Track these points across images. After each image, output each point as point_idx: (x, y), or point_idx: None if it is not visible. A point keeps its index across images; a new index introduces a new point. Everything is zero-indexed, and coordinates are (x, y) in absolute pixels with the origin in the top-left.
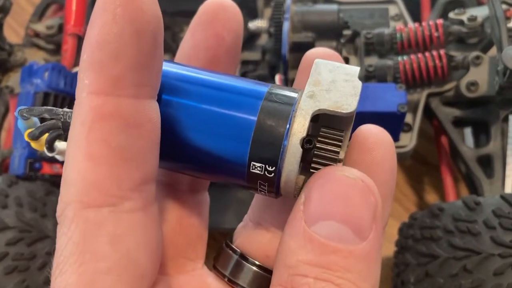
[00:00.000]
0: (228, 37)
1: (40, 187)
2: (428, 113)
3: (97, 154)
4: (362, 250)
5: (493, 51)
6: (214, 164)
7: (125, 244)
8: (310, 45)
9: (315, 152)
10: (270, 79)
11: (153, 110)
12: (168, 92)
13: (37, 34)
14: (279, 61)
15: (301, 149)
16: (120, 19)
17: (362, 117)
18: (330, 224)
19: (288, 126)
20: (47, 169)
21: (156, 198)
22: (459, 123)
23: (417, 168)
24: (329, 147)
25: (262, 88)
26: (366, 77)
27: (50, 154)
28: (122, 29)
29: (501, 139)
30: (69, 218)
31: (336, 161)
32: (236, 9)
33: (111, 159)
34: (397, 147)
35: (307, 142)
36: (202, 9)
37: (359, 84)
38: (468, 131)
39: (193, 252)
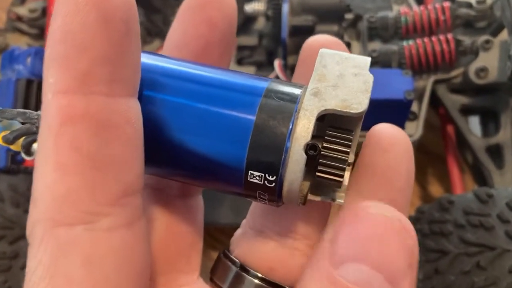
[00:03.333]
0: (222, 23)
1: (22, 181)
2: (434, 100)
3: (67, 164)
4: None
5: (503, 35)
6: (207, 171)
7: (103, 268)
8: (310, 29)
9: (322, 156)
10: (267, 65)
11: (132, 110)
12: (151, 88)
13: (19, 18)
14: (277, 46)
15: (305, 156)
16: (84, 7)
17: None
18: (361, 268)
19: (290, 129)
20: (30, 161)
21: (143, 212)
22: (466, 111)
23: (421, 158)
24: (336, 152)
25: (261, 83)
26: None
27: (28, 158)
28: (87, 17)
29: (511, 128)
30: (38, 238)
31: (345, 166)
32: None
33: (84, 168)
34: None
35: (312, 148)
36: None
37: (370, 78)
38: (474, 120)
39: (186, 264)
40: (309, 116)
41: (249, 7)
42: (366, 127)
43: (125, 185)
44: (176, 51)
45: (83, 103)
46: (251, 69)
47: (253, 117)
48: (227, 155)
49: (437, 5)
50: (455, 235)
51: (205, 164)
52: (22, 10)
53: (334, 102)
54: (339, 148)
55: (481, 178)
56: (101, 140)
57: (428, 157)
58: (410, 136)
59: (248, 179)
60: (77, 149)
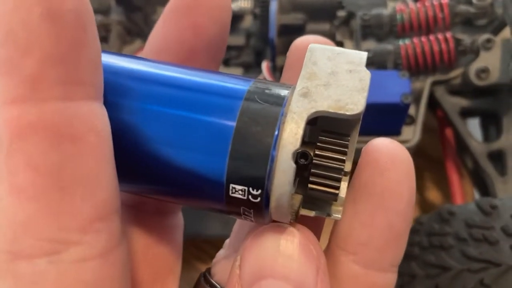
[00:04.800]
0: (210, 29)
1: None
2: (432, 103)
3: (23, 186)
4: None
5: (505, 33)
6: (184, 186)
7: None
8: (300, 28)
9: (314, 165)
10: (255, 66)
11: (97, 116)
12: (117, 93)
13: None
14: (265, 46)
15: (294, 165)
16: (24, 1)
17: None
18: (268, 283)
19: (276, 135)
20: None
21: (123, 236)
22: (466, 114)
23: (419, 163)
24: (330, 160)
25: (243, 84)
26: None
27: None
28: (29, 13)
29: None
30: None
31: (341, 176)
32: None
33: (44, 189)
34: (399, 142)
35: (302, 157)
36: None
37: (367, 75)
38: (475, 123)
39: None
40: (298, 119)
41: (235, 5)
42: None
43: (97, 206)
44: (156, 56)
45: (35, 111)
46: (239, 70)
47: (233, 123)
48: (206, 167)
49: (435, 2)
50: (457, 249)
51: (181, 178)
52: None
53: (326, 103)
54: (334, 156)
55: (482, 185)
56: (61, 153)
57: (427, 162)
58: (407, 141)
59: (230, 194)
60: (34, 167)
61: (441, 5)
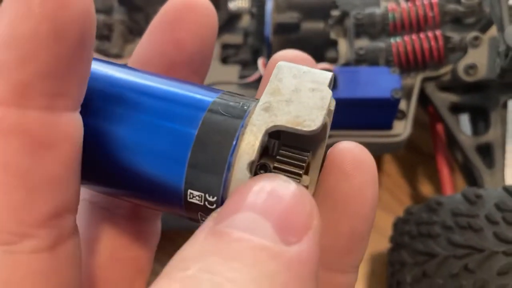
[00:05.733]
0: (191, 45)
1: None
2: (423, 99)
3: None
4: (284, 253)
5: (492, 31)
6: (146, 189)
7: None
8: (295, 26)
9: None
10: (253, 63)
11: (73, 126)
12: (90, 96)
13: None
14: (262, 44)
15: (249, 175)
16: (37, 13)
17: (353, 104)
18: (244, 215)
19: (234, 145)
20: None
21: (75, 233)
22: (456, 109)
23: (411, 158)
24: (287, 173)
25: (209, 96)
26: (357, 60)
27: None
28: (37, 26)
29: (501, 126)
30: None
31: None
32: (208, 10)
33: (10, 187)
34: (390, 136)
35: (262, 168)
36: (165, 6)
37: (328, 94)
38: (464, 118)
39: None
40: (256, 132)
41: (233, 5)
42: (354, 126)
43: (56, 206)
44: (140, 65)
45: (17, 117)
46: (236, 68)
47: (194, 131)
48: (166, 172)
49: (425, 1)
50: (443, 237)
51: (144, 181)
52: None
53: (285, 118)
54: (291, 169)
55: (472, 178)
56: (35, 158)
57: (418, 156)
58: (398, 135)
59: (188, 199)
60: (5, 166)
61: (431, 4)
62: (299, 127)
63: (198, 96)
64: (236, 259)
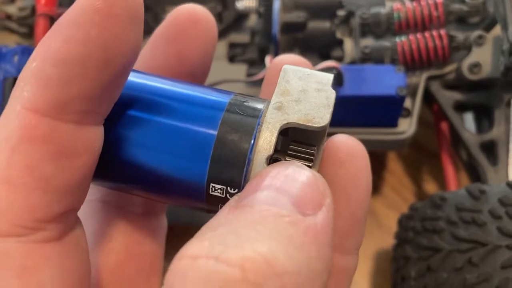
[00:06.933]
0: (195, 57)
1: None
2: (428, 97)
3: (16, 180)
4: (301, 221)
5: (496, 30)
6: (169, 186)
7: (38, 278)
8: (302, 26)
9: None
10: (260, 62)
11: (96, 139)
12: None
13: (9, 17)
14: (269, 43)
15: None
16: (92, 42)
17: (359, 101)
18: (264, 193)
19: (252, 142)
20: None
21: (76, 224)
22: (460, 107)
23: (416, 156)
24: None
25: (224, 97)
26: (362, 59)
27: None
28: (91, 52)
29: (505, 124)
30: None
31: None
32: (210, 23)
33: (31, 189)
34: (395, 133)
35: (274, 162)
36: (169, 18)
37: (332, 94)
38: (468, 116)
39: (146, 283)
40: (272, 129)
41: (240, 4)
42: (360, 123)
43: (65, 208)
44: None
45: (50, 127)
46: (243, 67)
47: (215, 131)
48: (189, 168)
49: (430, 1)
50: (447, 232)
51: (167, 179)
52: (11, 9)
53: (296, 116)
54: (300, 163)
55: (476, 175)
56: (58, 165)
57: (423, 154)
58: (403, 132)
59: (210, 193)
60: (30, 170)
61: (435, 4)
62: (309, 124)
63: (214, 98)
64: (258, 224)
